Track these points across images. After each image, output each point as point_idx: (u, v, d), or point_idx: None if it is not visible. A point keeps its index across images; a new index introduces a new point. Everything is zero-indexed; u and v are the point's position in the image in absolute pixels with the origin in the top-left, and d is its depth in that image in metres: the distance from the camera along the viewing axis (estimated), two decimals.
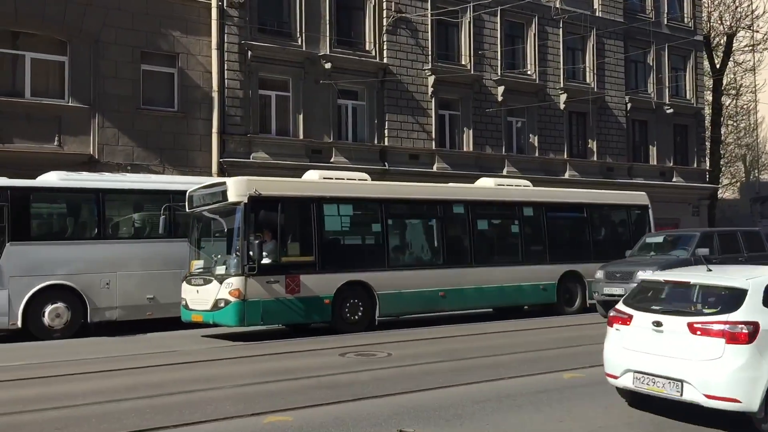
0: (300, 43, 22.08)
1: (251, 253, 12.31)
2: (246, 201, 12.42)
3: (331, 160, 22.24)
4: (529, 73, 27.08)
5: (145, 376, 9.24)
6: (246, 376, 8.90)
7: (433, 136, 24.44)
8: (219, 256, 13.17)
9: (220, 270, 12.78)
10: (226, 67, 20.71)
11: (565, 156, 27.75)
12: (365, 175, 15.64)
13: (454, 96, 25.24)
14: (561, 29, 27.64)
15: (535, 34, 27.00)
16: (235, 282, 12.33)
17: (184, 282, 13.47)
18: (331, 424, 6.46)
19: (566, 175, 27.36)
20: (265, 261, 12.57)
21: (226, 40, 20.71)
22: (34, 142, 18.02)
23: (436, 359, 10.10)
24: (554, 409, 6.97)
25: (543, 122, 27.28)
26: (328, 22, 22.46)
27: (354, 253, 14.36)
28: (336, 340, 12.30)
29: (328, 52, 22.37)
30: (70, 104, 18.68)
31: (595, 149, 28.67)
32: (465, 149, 25.32)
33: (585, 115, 28.43)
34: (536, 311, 16.61)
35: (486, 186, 17.30)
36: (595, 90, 28.40)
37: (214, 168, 20.17)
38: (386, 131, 23.53)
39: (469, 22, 25.27)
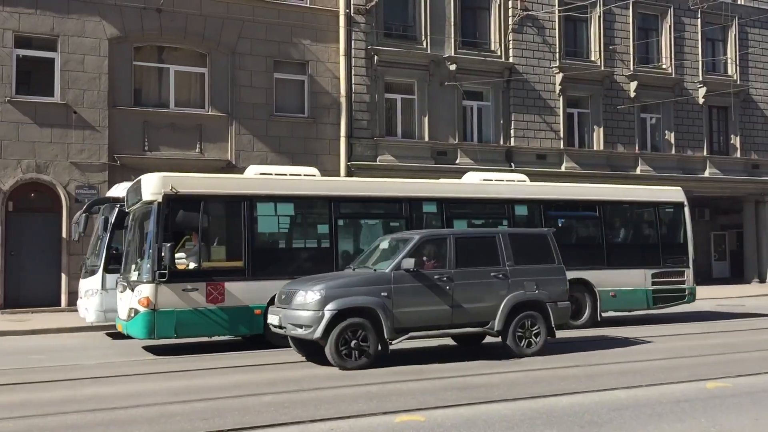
0: (425, 45, 22.25)
1: (164, 257, 10.99)
2: (160, 200, 11.19)
3: (457, 161, 22.24)
4: (664, 66, 25.89)
5: (282, 372, 9.62)
6: (376, 376, 9.05)
7: (561, 135, 23.88)
8: (139, 261, 11.97)
9: (134, 276, 11.70)
10: (353, 73, 21.22)
11: (705, 153, 26.28)
12: (314, 170, 14.14)
13: (584, 93, 24.54)
14: (699, 19, 26.23)
15: (670, 26, 25.77)
16: (144, 290, 11.09)
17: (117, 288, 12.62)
18: (462, 426, 6.44)
19: (706, 173, 25.94)
20: (183, 266, 11.38)
21: (353, 46, 21.22)
22: (178, 149, 19.29)
23: (566, 364, 9.85)
24: (698, 420, 6.60)
25: (680, 118, 25.99)
26: (453, 23, 22.49)
27: (295, 258, 12.60)
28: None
29: (453, 54, 22.39)
30: (209, 113, 19.82)
31: (738, 145, 26.98)
32: (595, 148, 24.55)
33: (727, 110, 26.81)
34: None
35: (468, 181, 15.22)
36: (738, 82, 26.73)
37: (342, 171, 20.72)
38: (512, 131, 23.23)
39: (599, 17, 24.50)
